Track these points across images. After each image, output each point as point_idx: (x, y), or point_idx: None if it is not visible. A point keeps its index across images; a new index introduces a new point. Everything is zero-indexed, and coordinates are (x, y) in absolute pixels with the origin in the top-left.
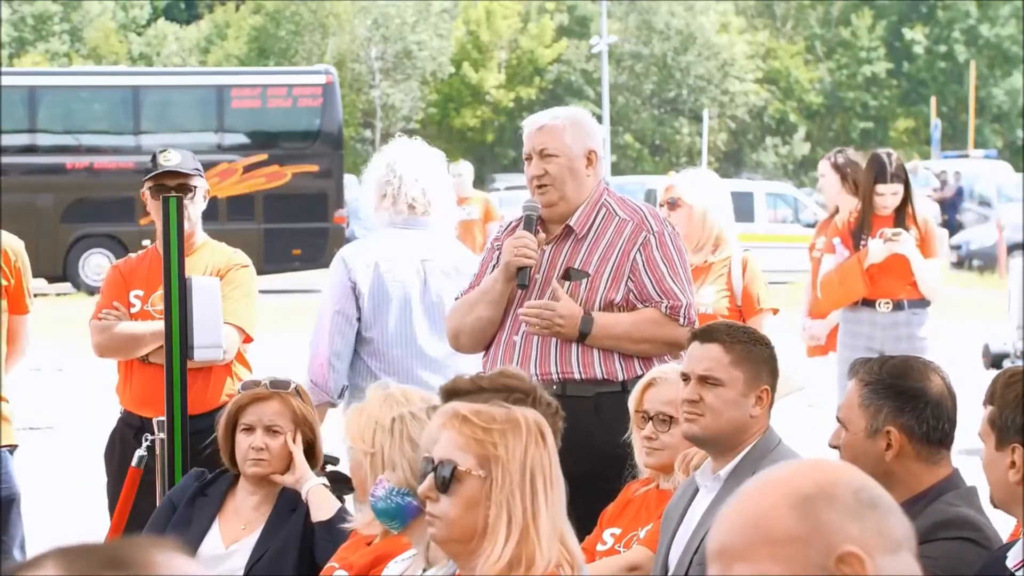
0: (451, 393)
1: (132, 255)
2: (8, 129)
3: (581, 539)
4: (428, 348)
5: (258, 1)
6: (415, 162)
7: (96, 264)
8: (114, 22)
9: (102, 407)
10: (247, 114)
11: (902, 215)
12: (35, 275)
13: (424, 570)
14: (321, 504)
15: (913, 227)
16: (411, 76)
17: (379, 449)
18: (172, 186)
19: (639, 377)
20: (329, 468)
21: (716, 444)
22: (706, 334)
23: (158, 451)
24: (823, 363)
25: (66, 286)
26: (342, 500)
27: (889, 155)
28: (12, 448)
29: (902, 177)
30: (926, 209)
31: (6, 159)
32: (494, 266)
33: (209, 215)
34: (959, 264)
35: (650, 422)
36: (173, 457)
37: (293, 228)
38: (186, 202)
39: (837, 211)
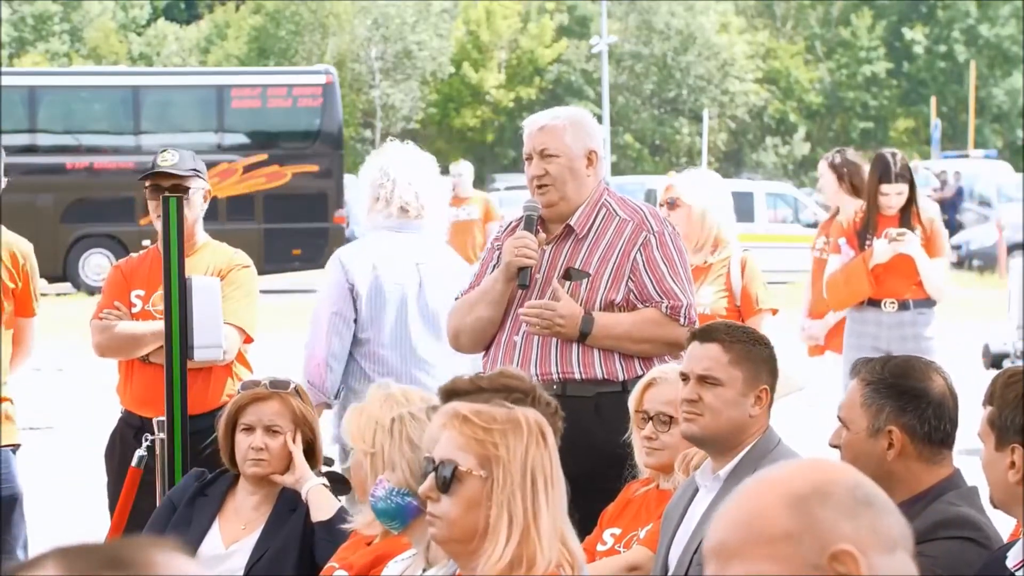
0: (450, 394)
1: (134, 255)
2: (8, 129)
3: (581, 539)
4: (422, 350)
5: (258, 1)
6: (408, 166)
7: (96, 264)
8: (114, 22)
9: (102, 407)
10: (247, 114)
11: (907, 215)
12: None
13: (424, 570)
14: (321, 504)
15: (919, 227)
16: (411, 76)
17: (379, 449)
18: (166, 187)
19: (639, 377)
20: (325, 469)
21: (715, 444)
22: (705, 334)
23: (158, 451)
24: (821, 363)
25: (66, 286)
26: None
27: (894, 155)
28: (15, 448)
29: (907, 177)
30: (932, 208)
31: (6, 159)
32: (494, 266)
33: (209, 215)
34: (959, 264)
35: (650, 422)
36: (173, 457)
37: (293, 228)
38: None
39: (838, 212)
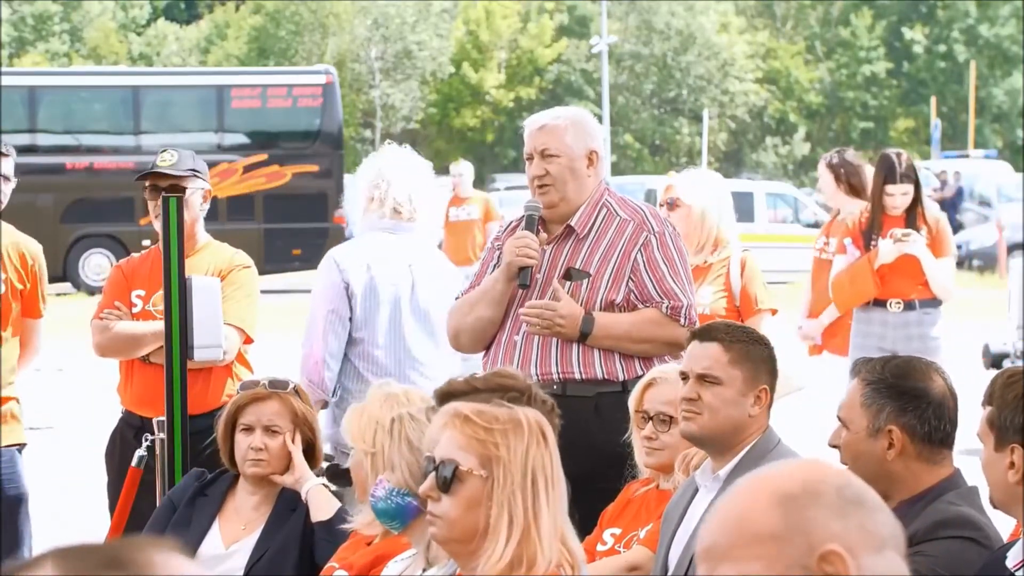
0: (446, 396)
1: (135, 255)
2: (8, 129)
3: (581, 539)
4: (416, 350)
5: (258, 1)
6: (403, 169)
7: (96, 264)
8: (114, 22)
9: (102, 407)
10: (247, 114)
11: (913, 215)
12: None
13: (424, 570)
14: (321, 504)
15: (924, 226)
16: (411, 76)
17: (379, 449)
18: (163, 187)
19: (640, 377)
20: (326, 464)
21: (714, 443)
22: (705, 333)
23: (158, 451)
24: (819, 362)
25: (66, 286)
26: (342, 494)
27: (899, 155)
28: (21, 447)
29: (912, 177)
30: (937, 208)
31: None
32: (495, 266)
33: (209, 215)
34: (959, 264)
35: (650, 422)
36: (173, 457)
37: (293, 228)
38: None
39: (839, 212)
